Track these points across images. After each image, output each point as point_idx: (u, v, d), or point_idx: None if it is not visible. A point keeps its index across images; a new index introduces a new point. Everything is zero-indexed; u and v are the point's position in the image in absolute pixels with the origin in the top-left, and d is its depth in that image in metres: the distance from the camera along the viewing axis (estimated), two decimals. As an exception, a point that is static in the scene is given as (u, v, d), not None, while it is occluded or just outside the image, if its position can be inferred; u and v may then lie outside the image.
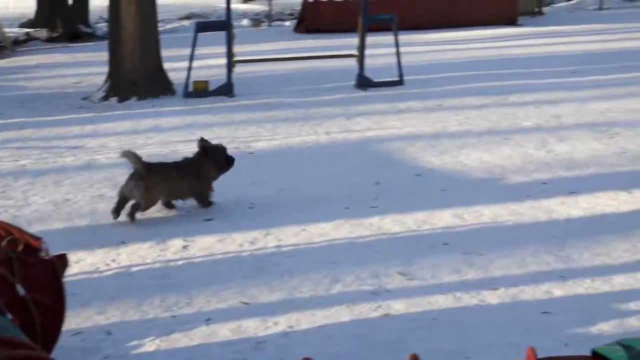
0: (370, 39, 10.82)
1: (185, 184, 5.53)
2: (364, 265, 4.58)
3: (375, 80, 10.21)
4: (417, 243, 4.92)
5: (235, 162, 5.78)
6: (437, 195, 5.83)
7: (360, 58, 10.16)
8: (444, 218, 5.34)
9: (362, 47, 10.14)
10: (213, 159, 5.61)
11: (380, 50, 11.89)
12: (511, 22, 17.45)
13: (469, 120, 8.20)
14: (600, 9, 21.40)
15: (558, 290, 4.22)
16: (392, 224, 5.25)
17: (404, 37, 12.17)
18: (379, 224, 5.26)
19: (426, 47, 14.21)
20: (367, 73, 10.24)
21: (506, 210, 5.46)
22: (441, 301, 4.12)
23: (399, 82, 10.25)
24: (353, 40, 10.73)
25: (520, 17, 17.90)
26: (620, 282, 4.31)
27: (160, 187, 5.46)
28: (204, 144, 5.64)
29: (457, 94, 9.60)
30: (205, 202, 5.65)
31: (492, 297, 4.14)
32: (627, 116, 8.22)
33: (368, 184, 6.11)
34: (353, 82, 10.25)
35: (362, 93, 9.93)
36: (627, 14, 20.15)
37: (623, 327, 3.77)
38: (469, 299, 4.13)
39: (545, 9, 20.84)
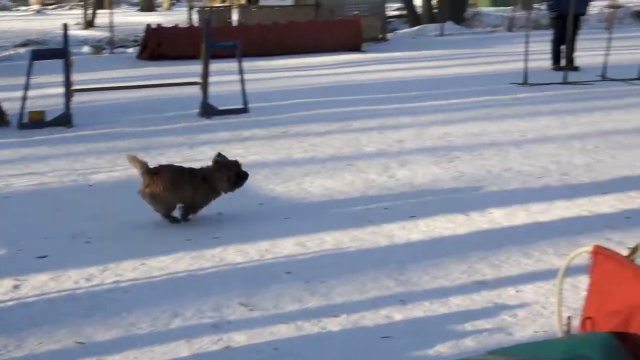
0: (215, 65, 10.77)
1: (193, 192, 5.74)
2: (205, 297, 4.48)
3: (220, 108, 10.13)
4: (260, 273, 4.87)
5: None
6: (280, 224, 5.80)
7: (204, 85, 10.07)
8: (287, 246, 5.32)
9: (205, 74, 10.05)
10: (225, 174, 5.76)
11: (225, 77, 11.85)
12: (356, 48, 17.78)
13: (313, 147, 8.25)
14: (441, 35, 22.17)
15: (398, 314, 4.26)
16: (234, 254, 5.19)
17: (249, 63, 12.20)
18: (221, 255, 5.18)
19: (272, 73, 14.28)
20: (212, 101, 10.15)
21: (348, 237, 5.50)
22: (283, 331, 4.08)
23: (244, 110, 10.21)
24: (197, 67, 10.63)
25: (364, 43, 18.27)
26: (457, 303, 4.39)
27: (168, 193, 5.68)
28: (218, 159, 5.80)
29: (302, 121, 9.66)
30: (187, 214, 5.85)
31: (333, 325, 4.14)
32: (464, 140, 8.48)
33: (210, 214, 6.01)
34: (197, 110, 10.14)
35: (206, 121, 9.84)
36: (466, 40, 20.95)
37: (459, 348, 3.84)
38: (310, 328, 4.11)
39: (389, 35, 21.37)
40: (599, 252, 2.66)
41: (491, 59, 16.07)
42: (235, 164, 5.89)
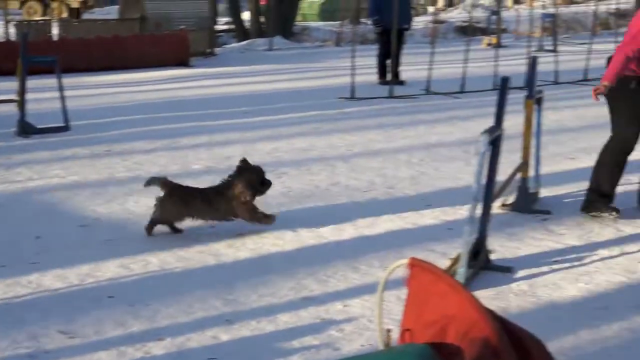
0: (33, 82, 10.34)
1: (213, 207, 5.72)
2: (21, 326, 4.25)
3: (39, 126, 9.72)
4: (81, 298, 4.67)
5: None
6: (102, 246, 5.60)
7: (21, 103, 9.62)
8: (110, 269, 5.13)
9: (22, 91, 9.61)
10: (247, 180, 5.71)
11: (45, 94, 11.40)
12: (183, 63, 17.58)
13: (138, 165, 8.03)
14: (270, 49, 22.29)
15: (224, 335, 4.18)
16: (53, 279, 4.95)
17: (71, 79, 11.83)
18: (39, 281, 4.93)
19: (95, 90, 13.86)
20: (30, 119, 9.71)
21: (174, 257, 5.37)
22: (104, 357, 3.92)
23: (65, 128, 9.85)
24: (13, 83, 10.15)
25: (192, 58, 18.09)
26: (284, 320, 4.36)
27: (176, 208, 5.73)
28: (241, 165, 5.80)
29: (126, 139, 9.40)
30: (253, 218, 5.80)
31: (157, 348, 4.01)
32: (292, 155, 8.50)
33: (28, 239, 5.73)
34: (14, 129, 9.68)
35: (23, 141, 9.39)
36: (295, 54, 21.18)
37: (285, 367, 3.81)
38: (133, 352, 3.97)
39: (217, 50, 21.27)
40: (415, 265, 2.68)
41: (319, 74, 16.29)
42: (259, 171, 5.87)
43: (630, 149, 6.23)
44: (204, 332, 4.21)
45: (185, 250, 5.51)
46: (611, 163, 6.25)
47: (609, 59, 6.29)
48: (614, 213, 6.24)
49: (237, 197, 5.74)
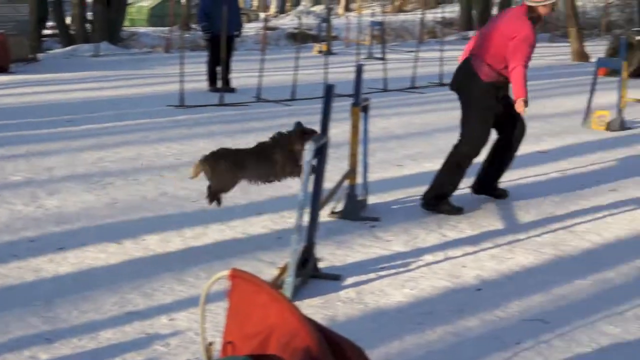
0: None
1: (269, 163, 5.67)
2: None
3: None
4: None
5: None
6: None
7: None
8: None
9: None
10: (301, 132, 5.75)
11: None
12: (2, 69, 16.80)
13: (-49, 177, 7.58)
14: (96, 55, 21.67)
15: (44, 354, 4.00)
16: None
17: None
18: None
19: None
20: None
21: (-10, 273, 5.09)
22: None
23: None
24: None
25: (12, 64, 17.33)
26: (107, 337, 4.21)
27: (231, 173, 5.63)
28: (299, 127, 5.83)
29: (-62, 150, 8.86)
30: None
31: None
32: (119, 165, 8.24)
33: None
34: None
35: None
36: (123, 60, 20.70)
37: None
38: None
39: (40, 56, 20.47)
40: (236, 276, 2.64)
41: (148, 81, 15.97)
42: (299, 124, 5.89)
43: (478, 154, 6.49)
44: (22, 352, 4.01)
45: (1, 266, 5.23)
46: (458, 165, 6.49)
47: (463, 66, 6.51)
48: (457, 211, 6.51)
49: (296, 150, 5.69)
